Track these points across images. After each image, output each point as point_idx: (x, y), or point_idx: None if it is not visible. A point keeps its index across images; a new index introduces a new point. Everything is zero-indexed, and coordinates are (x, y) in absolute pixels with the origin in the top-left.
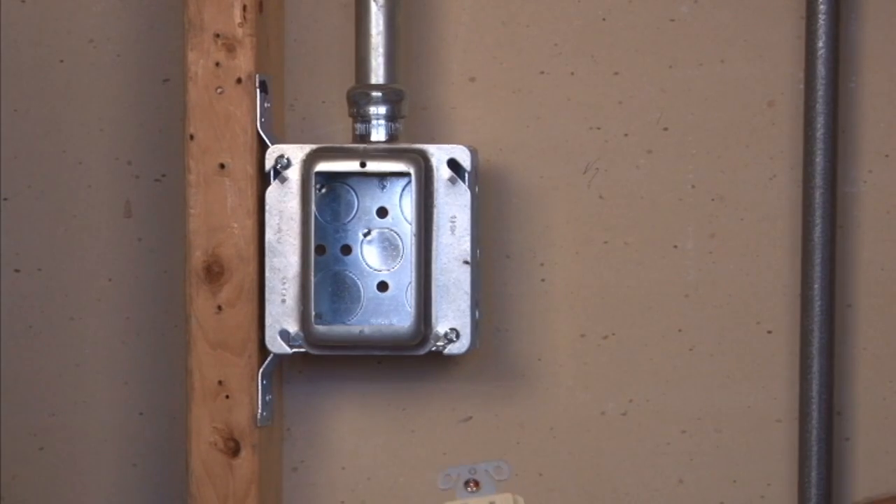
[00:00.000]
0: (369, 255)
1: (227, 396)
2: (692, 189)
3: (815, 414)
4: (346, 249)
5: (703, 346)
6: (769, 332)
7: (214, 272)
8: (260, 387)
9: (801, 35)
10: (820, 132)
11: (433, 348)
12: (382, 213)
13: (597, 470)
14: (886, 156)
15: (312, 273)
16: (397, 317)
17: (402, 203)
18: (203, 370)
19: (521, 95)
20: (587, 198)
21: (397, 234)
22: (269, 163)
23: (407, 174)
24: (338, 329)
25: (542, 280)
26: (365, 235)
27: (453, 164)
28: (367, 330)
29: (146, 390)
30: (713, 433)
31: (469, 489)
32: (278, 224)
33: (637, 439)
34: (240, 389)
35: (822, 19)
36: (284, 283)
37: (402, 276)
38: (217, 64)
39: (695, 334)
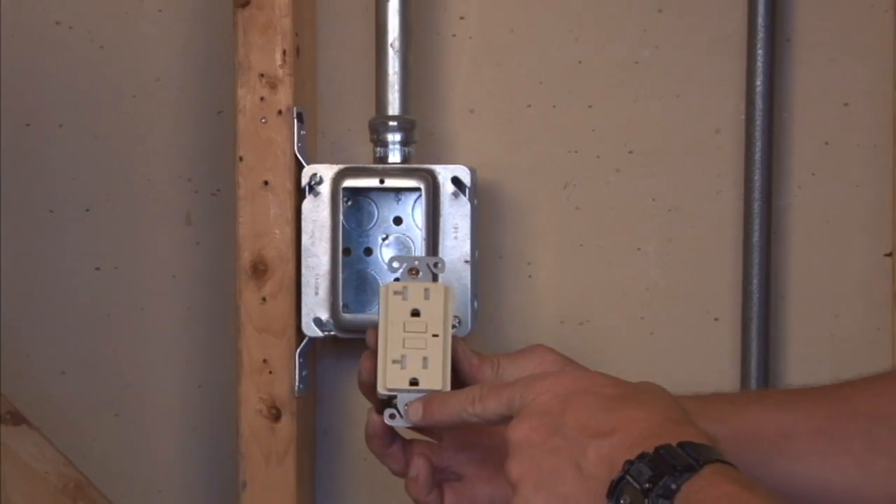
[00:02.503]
0: (387, 256)
1: (271, 372)
2: (653, 202)
3: (753, 386)
4: (368, 251)
5: (661, 331)
6: (716, 319)
7: (260, 270)
8: (297, 364)
9: (742, 74)
10: (758, 154)
11: None
12: (398, 221)
13: None
14: (813, 174)
15: (340, 271)
16: None
17: (414, 213)
18: (250, 350)
19: (512, 124)
20: (566, 209)
21: (410, 239)
22: (304, 180)
23: (418, 189)
24: (361, 316)
25: (529, 276)
26: (383, 240)
27: (456, 181)
28: None
29: (203, 367)
30: None
31: (411, 275)
32: (312, 230)
33: None
34: (281, 366)
35: (759, 62)
36: (317, 279)
37: None
38: (262, 98)
39: (655, 321)
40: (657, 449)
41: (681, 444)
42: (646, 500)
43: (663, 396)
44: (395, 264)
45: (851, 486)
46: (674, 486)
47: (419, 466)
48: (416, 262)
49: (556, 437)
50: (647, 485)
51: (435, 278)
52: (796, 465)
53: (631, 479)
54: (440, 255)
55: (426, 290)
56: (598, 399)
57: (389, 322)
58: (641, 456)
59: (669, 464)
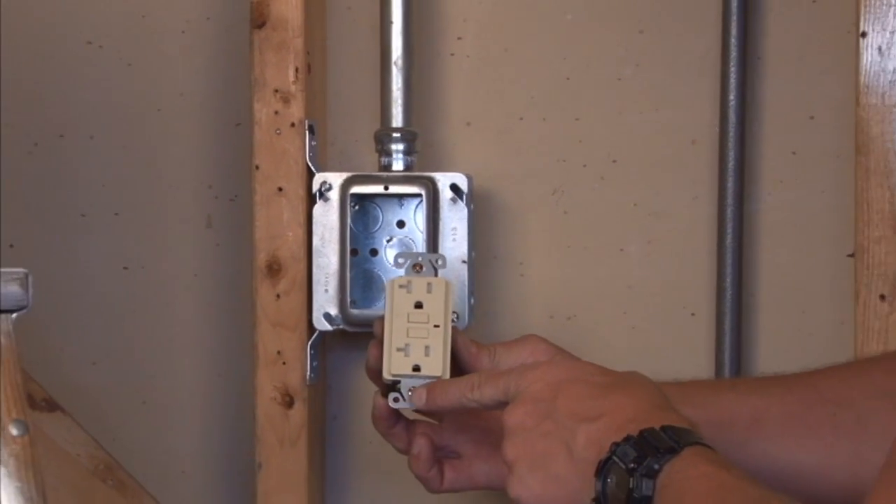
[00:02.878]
0: (391, 256)
1: (284, 363)
2: (634, 206)
3: (726, 375)
4: (374, 252)
5: (642, 325)
6: (692, 314)
7: (274, 269)
8: (308, 355)
9: (716, 90)
10: (731, 163)
11: None
12: (401, 224)
13: None
14: (781, 181)
15: (348, 270)
16: None
17: (415, 217)
18: (266, 343)
19: (506, 136)
20: (555, 213)
21: (412, 241)
22: (315, 186)
23: (419, 195)
24: (367, 312)
25: (521, 275)
26: (388, 241)
27: (454, 188)
28: None
29: (223, 358)
30: None
31: (415, 270)
32: (322, 233)
33: None
34: (294, 357)
35: (732, 78)
36: (327, 278)
37: None
38: (276, 112)
39: (636, 316)
40: (641, 432)
41: (663, 428)
42: (631, 479)
43: (647, 384)
44: (401, 260)
45: (820, 467)
46: (656, 467)
47: (421, 445)
48: (420, 258)
49: (547, 422)
50: (632, 465)
51: (436, 273)
52: (769, 447)
53: (617, 460)
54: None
55: (429, 284)
56: (587, 387)
57: (395, 313)
58: (627, 438)
59: (653, 446)
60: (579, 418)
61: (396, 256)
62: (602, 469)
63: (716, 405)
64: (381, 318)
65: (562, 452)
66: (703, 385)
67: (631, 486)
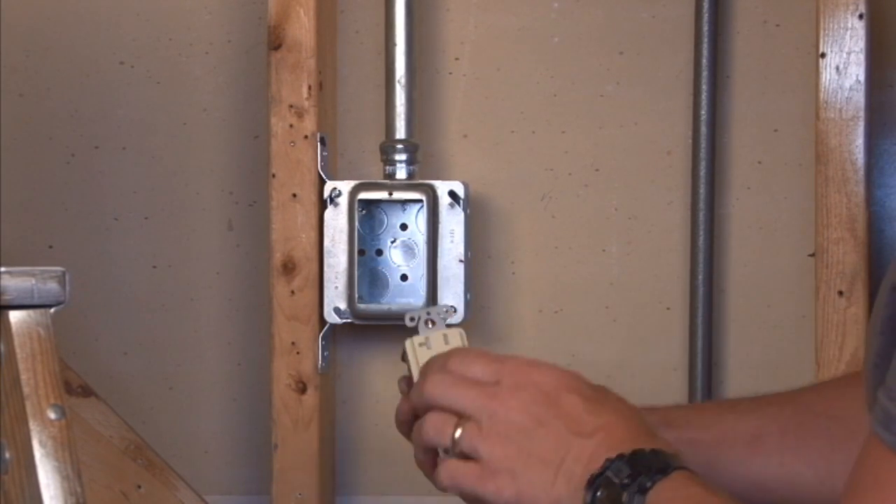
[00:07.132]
0: (395, 256)
1: (298, 353)
2: (615, 211)
3: (699, 364)
4: (379, 252)
5: (622, 318)
6: (668, 308)
7: (289, 268)
8: (320, 346)
9: (689, 106)
10: (703, 172)
11: None
12: (404, 227)
13: None
14: (748, 188)
15: (356, 268)
16: (414, 298)
17: (417, 220)
18: (281, 335)
19: (499, 147)
20: (543, 217)
21: (414, 242)
22: (326, 193)
23: (421, 201)
24: (373, 306)
25: (513, 273)
26: (392, 242)
27: (452, 194)
28: (393, 307)
29: (242, 348)
30: (629, 378)
31: (428, 326)
32: (333, 235)
33: None
34: (307, 348)
35: (704, 95)
36: (337, 276)
37: (418, 271)
38: (291, 125)
39: (617, 310)
40: (634, 452)
41: (653, 451)
42: (624, 494)
43: (627, 405)
44: (411, 322)
45: (818, 479)
46: (649, 484)
47: (399, 407)
48: (430, 314)
49: (541, 429)
50: (626, 481)
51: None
52: (769, 462)
53: (611, 475)
54: (439, 254)
55: (444, 336)
56: (582, 401)
57: (420, 371)
58: (620, 456)
59: (645, 465)
60: (574, 432)
61: (407, 316)
62: (594, 482)
63: (719, 426)
64: (405, 377)
65: (549, 461)
66: (707, 409)
67: (624, 500)
